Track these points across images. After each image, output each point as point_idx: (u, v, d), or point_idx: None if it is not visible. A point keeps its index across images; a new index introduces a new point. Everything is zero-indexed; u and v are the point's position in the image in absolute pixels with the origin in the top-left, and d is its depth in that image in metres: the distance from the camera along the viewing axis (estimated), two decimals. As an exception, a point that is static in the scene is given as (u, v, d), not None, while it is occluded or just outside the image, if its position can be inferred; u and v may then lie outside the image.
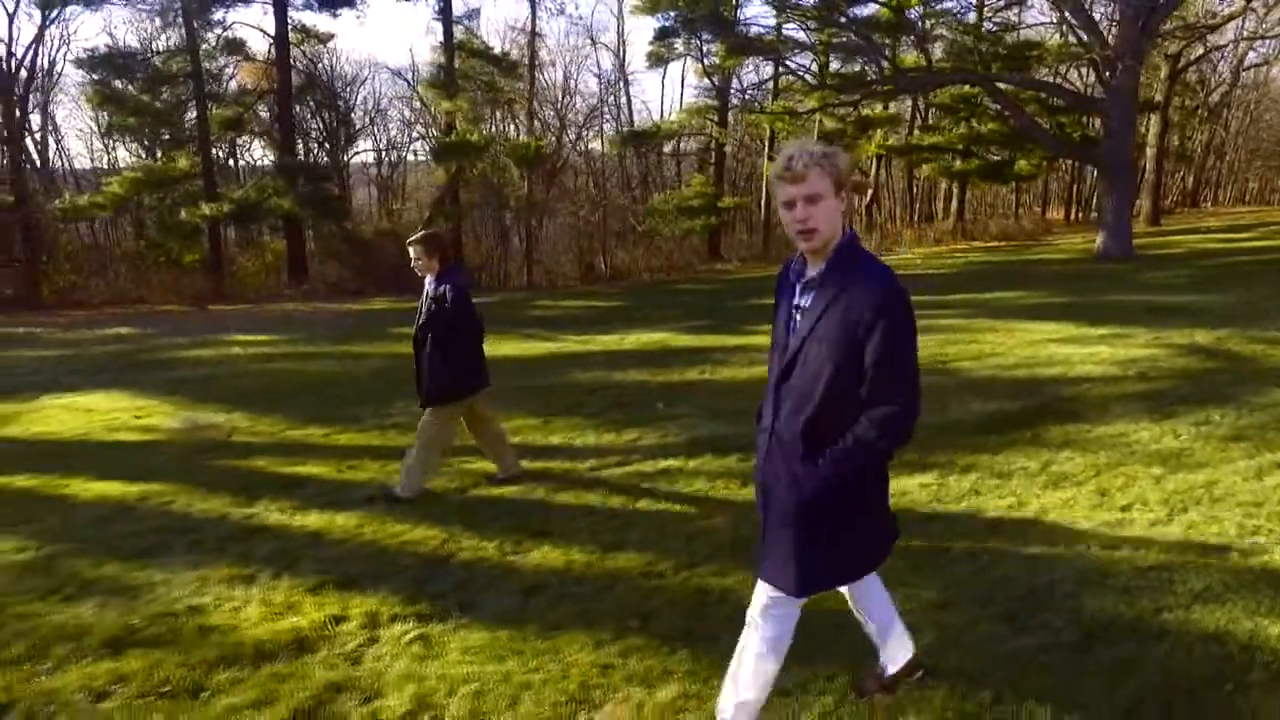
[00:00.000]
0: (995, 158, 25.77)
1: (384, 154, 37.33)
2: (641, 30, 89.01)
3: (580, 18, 58.28)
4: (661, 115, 37.71)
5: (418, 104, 36.94)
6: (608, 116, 35.32)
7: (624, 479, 4.86)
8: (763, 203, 29.88)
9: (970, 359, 8.20)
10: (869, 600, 2.54)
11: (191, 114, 25.73)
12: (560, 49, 35.74)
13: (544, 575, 3.56)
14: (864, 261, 2.17)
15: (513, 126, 31.83)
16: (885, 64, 19.21)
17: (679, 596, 3.30)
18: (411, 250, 4.69)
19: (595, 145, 34.17)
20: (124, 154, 36.57)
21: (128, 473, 5.44)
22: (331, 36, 27.05)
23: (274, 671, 2.87)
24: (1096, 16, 17.38)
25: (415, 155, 38.84)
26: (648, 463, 5.17)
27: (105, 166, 35.57)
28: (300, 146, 27.72)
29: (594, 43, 33.30)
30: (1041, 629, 2.83)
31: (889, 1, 20.48)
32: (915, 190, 33.81)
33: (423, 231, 4.82)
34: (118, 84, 23.61)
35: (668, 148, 31.86)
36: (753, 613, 2.34)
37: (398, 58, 72.93)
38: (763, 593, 2.30)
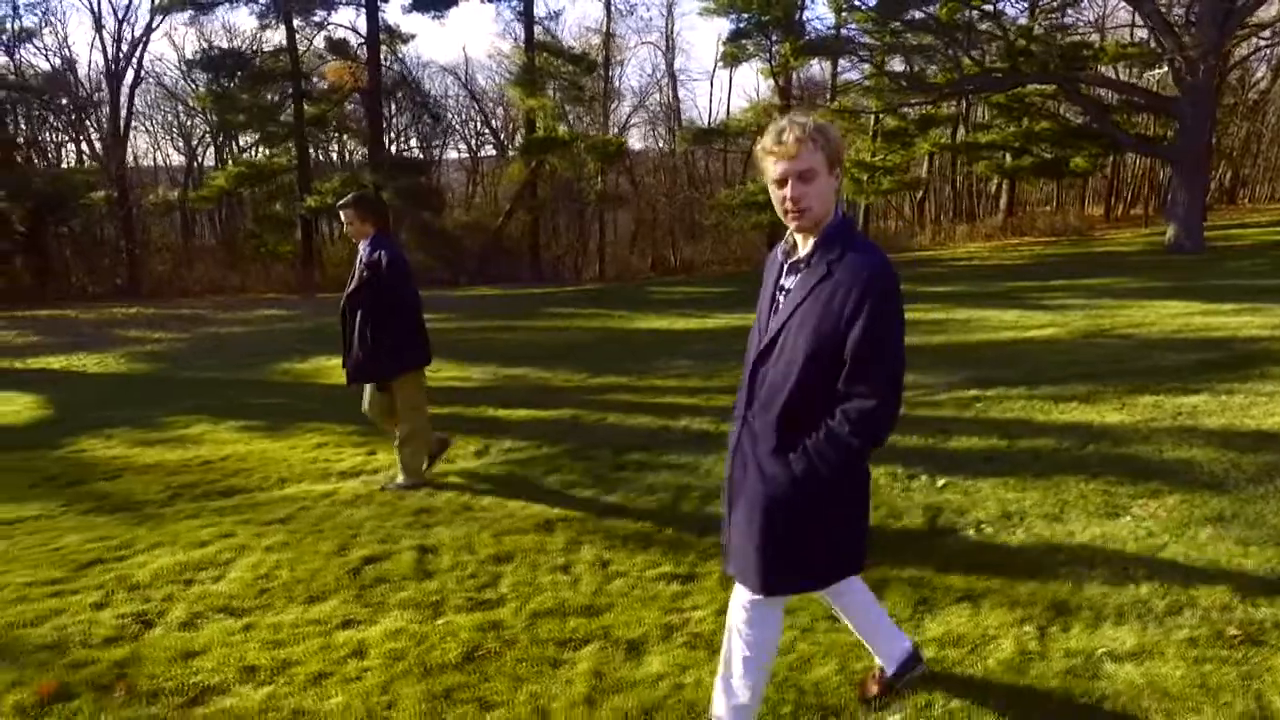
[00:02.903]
0: (1047, 155, 27.00)
1: (425, 150, 38.37)
2: (690, 30, 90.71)
3: (650, 19, 59.64)
4: (711, 113, 39.01)
5: (465, 101, 38.20)
6: (658, 113, 36.68)
7: (949, 403, 6.12)
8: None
9: (1129, 327, 9.45)
10: (849, 607, 2.49)
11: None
12: (621, 48, 36.76)
13: (974, 453, 4.82)
14: (855, 243, 2.04)
15: (562, 125, 32.94)
16: (967, 62, 20.44)
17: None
18: (343, 214, 4.47)
19: (635, 143, 35.57)
20: (172, 152, 37.82)
21: (521, 404, 6.71)
22: (413, 36, 28.29)
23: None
24: (1171, 19, 18.56)
25: (458, 152, 40.11)
26: (943, 394, 6.43)
27: (152, 164, 36.92)
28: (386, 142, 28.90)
29: (669, 47, 34.56)
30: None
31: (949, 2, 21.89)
32: (959, 187, 35.12)
33: (353, 194, 4.61)
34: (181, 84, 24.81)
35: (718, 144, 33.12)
36: (733, 617, 2.26)
37: (447, 56, 74.25)
38: (740, 593, 2.23)
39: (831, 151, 1.99)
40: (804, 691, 2.56)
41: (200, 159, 38.71)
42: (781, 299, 2.11)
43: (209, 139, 37.06)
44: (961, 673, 2.61)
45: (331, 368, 9.35)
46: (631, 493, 4.36)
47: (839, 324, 1.96)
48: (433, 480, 4.73)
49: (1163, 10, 18.51)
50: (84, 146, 31.48)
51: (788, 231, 2.13)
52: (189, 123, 37.56)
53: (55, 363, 10.77)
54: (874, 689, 2.51)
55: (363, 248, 4.48)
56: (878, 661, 2.55)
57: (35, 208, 22.47)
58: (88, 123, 30.27)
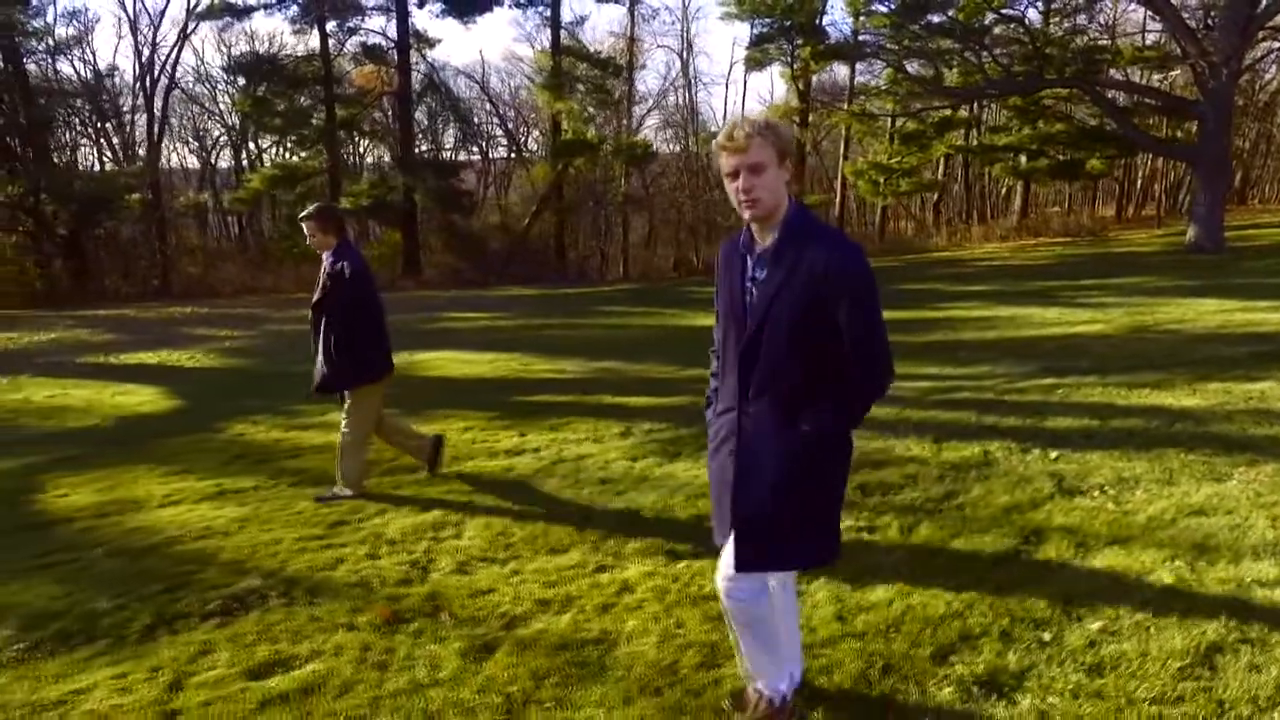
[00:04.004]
0: (1063, 157, 27.64)
1: (436, 152, 38.79)
2: (704, 34, 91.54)
3: (671, 23, 60.26)
4: (725, 115, 39.58)
5: (482, 104, 38.80)
6: (672, 115, 37.31)
7: (1032, 389, 6.71)
8: (838, 200, 31.74)
9: (1172, 323, 10.04)
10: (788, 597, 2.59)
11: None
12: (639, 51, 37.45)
13: (1073, 431, 5.41)
14: (819, 229, 2.20)
15: (590, 128, 33.49)
16: (991, 66, 21.06)
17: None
18: (305, 226, 4.52)
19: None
20: (188, 154, 38.43)
21: (635, 392, 7.29)
22: (439, 41, 28.85)
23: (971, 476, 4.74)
24: (1192, 24, 19.19)
25: (468, 154, 40.70)
26: (1022, 382, 7.02)
27: (166, 166, 37.57)
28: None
29: (687, 50, 35.35)
30: None
31: (967, 5, 22.58)
32: (973, 188, 35.78)
33: (314, 205, 4.64)
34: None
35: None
36: (772, 587, 2.47)
37: (463, 59, 74.71)
38: (769, 576, 2.41)
39: (781, 145, 2.15)
40: (1013, 609, 3.14)
41: (215, 161, 39.43)
42: (755, 290, 2.22)
43: (226, 141, 37.75)
44: (1135, 595, 3.20)
45: (421, 361, 9.94)
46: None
47: (821, 308, 2.13)
48: (369, 491, 4.79)
49: (1184, 16, 19.13)
50: (106, 151, 32.20)
51: (745, 227, 2.28)
52: (204, 125, 38.27)
53: (150, 358, 11.33)
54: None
55: (326, 258, 4.52)
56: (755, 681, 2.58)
57: (79, 210, 23.01)
58: (109, 126, 30.93)
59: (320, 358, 4.56)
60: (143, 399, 8.45)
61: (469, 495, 4.75)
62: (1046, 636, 2.96)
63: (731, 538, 2.33)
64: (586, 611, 3.27)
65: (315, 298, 4.53)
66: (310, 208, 4.57)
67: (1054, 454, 4.97)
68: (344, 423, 4.71)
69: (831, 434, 2.23)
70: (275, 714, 2.63)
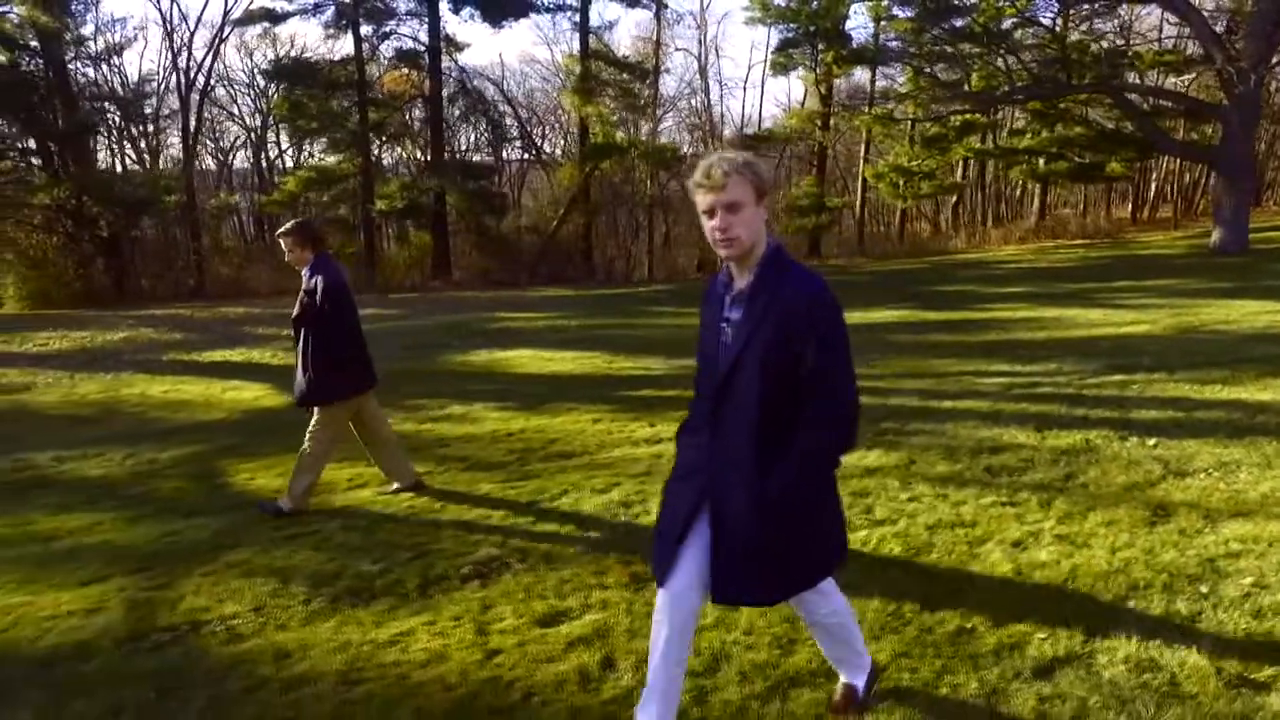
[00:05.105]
0: (1082, 160, 28.18)
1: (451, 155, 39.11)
2: (721, 39, 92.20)
3: (695, 27, 60.71)
4: (743, 118, 40.18)
5: (503, 106, 39.32)
6: (690, 117, 37.87)
7: (1107, 385, 7.24)
8: (859, 204, 32.26)
9: (1217, 323, 10.55)
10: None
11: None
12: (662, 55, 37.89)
13: (1162, 422, 5.93)
14: (792, 271, 2.21)
15: (620, 131, 33.89)
16: (1019, 70, 21.61)
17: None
18: (283, 242, 4.57)
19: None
20: (206, 156, 38.98)
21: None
22: (468, 45, 29.33)
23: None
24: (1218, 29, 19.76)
25: (484, 156, 41.21)
26: (1093, 379, 7.55)
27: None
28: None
29: (705, 54, 35.99)
30: None
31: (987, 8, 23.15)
32: (989, 190, 36.33)
33: (292, 221, 4.68)
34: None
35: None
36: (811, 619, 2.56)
37: (481, 61, 75.10)
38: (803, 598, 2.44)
39: (758, 183, 2.17)
40: (1166, 567, 3.67)
41: (231, 162, 39.96)
42: (729, 331, 2.26)
43: (244, 143, 38.29)
44: (1272, 557, 3.72)
45: (504, 359, 10.47)
46: (913, 450, 5.48)
47: (791, 351, 2.15)
48: (309, 509, 4.81)
49: (1211, 22, 19.68)
50: (130, 153, 32.73)
51: (722, 264, 2.31)
52: (223, 128, 38.79)
53: (234, 356, 11.86)
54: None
55: (304, 274, 4.61)
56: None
57: (124, 212, 23.51)
58: (134, 130, 31.44)
59: (299, 373, 4.66)
60: (256, 394, 8.97)
61: (633, 478, 5.26)
62: (1204, 589, 3.48)
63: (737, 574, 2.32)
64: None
65: (294, 313, 4.64)
66: (288, 224, 4.66)
67: (1151, 441, 5.50)
68: (308, 437, 4.75)
69: (811, 474, 2.25)
70: (583, 652, 3.15)
